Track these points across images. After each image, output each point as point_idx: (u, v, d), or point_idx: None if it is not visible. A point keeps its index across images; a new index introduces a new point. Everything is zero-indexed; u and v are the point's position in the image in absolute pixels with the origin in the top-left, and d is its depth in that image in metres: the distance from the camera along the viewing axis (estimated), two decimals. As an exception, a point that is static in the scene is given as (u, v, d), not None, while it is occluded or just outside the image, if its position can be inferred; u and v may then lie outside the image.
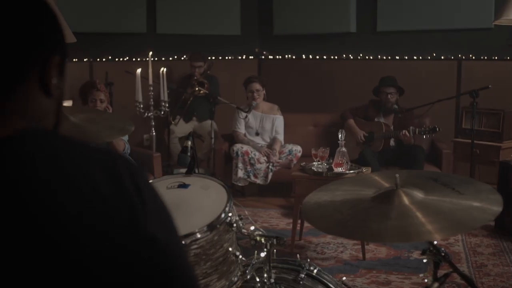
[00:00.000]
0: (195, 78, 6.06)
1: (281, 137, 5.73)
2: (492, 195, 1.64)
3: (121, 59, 6.24)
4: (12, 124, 0.78)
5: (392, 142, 5.47)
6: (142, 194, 0.78)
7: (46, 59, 0.83)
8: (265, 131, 5.77)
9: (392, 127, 5.46)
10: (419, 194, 1.65)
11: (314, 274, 2.12)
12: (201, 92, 5.84)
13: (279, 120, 5.76)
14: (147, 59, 5.44)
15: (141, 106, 5.26)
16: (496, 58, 5.94)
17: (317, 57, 6.96)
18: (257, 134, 5.76)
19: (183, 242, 1.71)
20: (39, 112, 0.83)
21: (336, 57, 6.86)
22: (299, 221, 4.23)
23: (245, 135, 5.75)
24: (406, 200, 1.63)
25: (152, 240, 0.76)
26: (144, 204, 0.77)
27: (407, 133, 5.17)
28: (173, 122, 6.11)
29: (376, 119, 5.55)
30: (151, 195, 0.81)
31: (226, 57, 7.05)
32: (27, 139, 0.76)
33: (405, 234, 1.53)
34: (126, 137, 4.57)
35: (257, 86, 5.64)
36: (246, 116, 5.64)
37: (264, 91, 5.71)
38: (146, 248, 0.75)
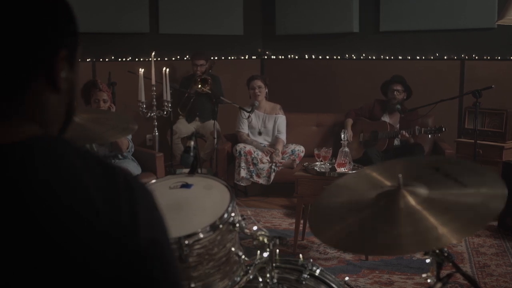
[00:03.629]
0: (198, 75, 6.05)
1: (283, 136, 5.74)
2: (495, 181, 1.59)
3: (123, 59, 6.25)
4: (23, 128, 0.78)
5: (396, 142, 5.47)
6: (137, 204, 0.78)
7: (52, 55, 0.82)
8: (267, 131, 5.77)
9: (398, 126, 5.47)
10: (423, 191, 1.61)
11: (316, 274, 2.12)
12: (204, 90, 5.82)
13: (281, 119, 5.77)
14: (150, 59, 5.45)
15: (144, 106, 5.27)
16: (499, 58, 5.93)
17: (320, 57, 6.96)
18: (259, 133, 5.77)
19: (186, 242, 1.71)
20: (49, 110, 0.82)
21: (339, 57, 6.86)
22: (301, 221, 4.23)
23: (248, 135, 5.76)
24: (411, 201, 1.58)
25: (142, 247, 0.76)
26: (137, 214, 0.78)
27: (405, 133, 5.21)
28: (181, 114, 6.12)
29: (382, 119, 5.56)
30: (146, 205, 0.81)
31: (229, 57, 7.06)
32: (33, 147, 0.76)
33: (421, 242, 1.46)
34: (129, 136, 4.58)
35: (259, 82, 5.66)
36: (249, 116, 5.65)
37: (266, 90, 5.72)
38: (140, 252, 0.76)
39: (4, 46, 0.77)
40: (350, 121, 5.68)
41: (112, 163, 0.82)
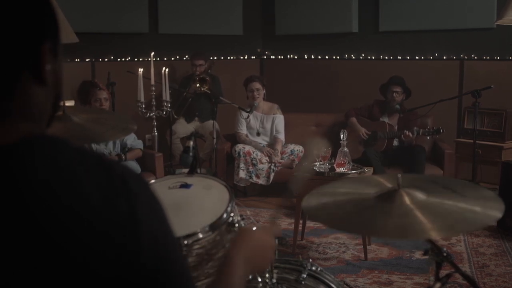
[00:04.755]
0: (197, 75, 6.05)
1: (281, 136, 5.73)
2: (493, 201, 1.64)
3: (123, 59, 6.25)
4: (17, 127, 0.77)
5: (395, 142, 5.47)
6: (136, 202, 0.78)
7: (37, 48, 0.79)
8: (266, 131, 5.77)
9: (396, 127, 5.47)
10: (421, 195, 1.64)
11: (316, 274, 2.12)
12: (202, 89, 5.80)
13: (279, 119, 5.77)
14: (149, 59, 5.45)
15: (143, 106, 5.26)
16: (498, 58, 5.94)
17: (319, 57, 6.96)
18: (258, 134, 5.77)
19: (185, 242, 1.71)
20: (37, 105, 0.81)
21: (338, 57, 6.86)
22: (301, 221, 4.23)
23: (246, 135, 5.76)
24: (407, 200, 1.62)
25: (143, 246, 0.76)
26: (137, 212, 0.77)
27: (409, 133, 5.19)
28: (176, 117, 6.11)
29: (381, 119, 5.56)
30: (146, 201, 0.80)
31: (228, 57, 7.06)
32: (33, 147, 0.76)
33: (403, 231, 1.54)
34: (133, 136, 4.59)
35: (257, 85, 5.65)
36: (248, 117, 5.65)
37: (264, 91, 5.72)
38: (141, 252, 0.76)
39: None
40: (355, 119, 5.66)
41: (109, 160, 0.82)
